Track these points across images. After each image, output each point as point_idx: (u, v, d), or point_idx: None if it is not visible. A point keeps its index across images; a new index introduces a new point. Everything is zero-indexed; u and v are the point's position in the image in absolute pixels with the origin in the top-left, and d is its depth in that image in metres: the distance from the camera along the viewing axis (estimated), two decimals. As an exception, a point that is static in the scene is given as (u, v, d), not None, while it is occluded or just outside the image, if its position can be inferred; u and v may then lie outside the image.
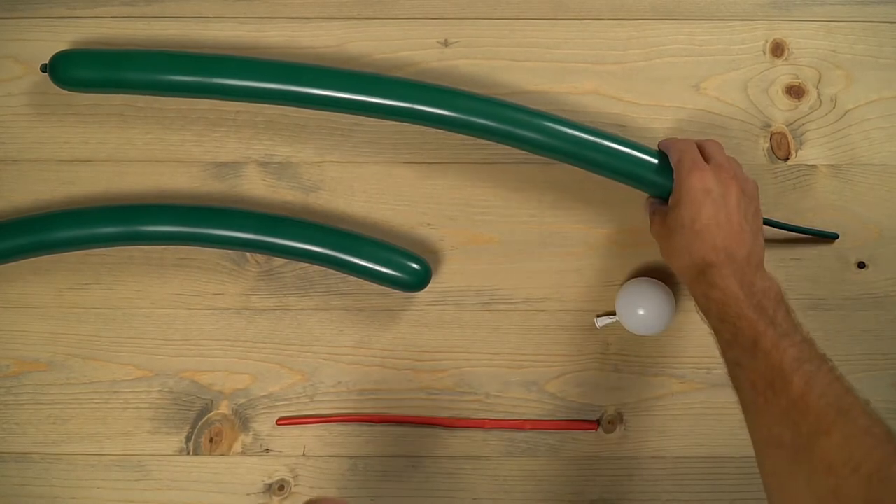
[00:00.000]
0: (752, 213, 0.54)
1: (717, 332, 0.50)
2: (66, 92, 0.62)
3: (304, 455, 0.61)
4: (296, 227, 0.60)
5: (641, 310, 0.58)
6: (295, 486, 0.61)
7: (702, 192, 0.53)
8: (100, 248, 0.61)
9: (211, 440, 0.61)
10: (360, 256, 0.60)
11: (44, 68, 0.60)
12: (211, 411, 0.61)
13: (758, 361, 0.47)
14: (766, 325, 0.48)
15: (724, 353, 0.50)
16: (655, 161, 0.58)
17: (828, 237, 0.63)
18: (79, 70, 0.60)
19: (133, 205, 0.61)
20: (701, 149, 0.56)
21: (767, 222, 0.61)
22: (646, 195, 0.61)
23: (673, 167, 0.56)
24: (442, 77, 0.65)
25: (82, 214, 0.60)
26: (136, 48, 0.64)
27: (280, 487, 0.61)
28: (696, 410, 0.62)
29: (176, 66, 0.60)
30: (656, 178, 0.58)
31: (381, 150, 0.64)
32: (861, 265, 0.64)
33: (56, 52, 0.60)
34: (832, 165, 0.65)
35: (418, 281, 0.61)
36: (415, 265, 0.60)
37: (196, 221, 0.60)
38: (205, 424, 0.61)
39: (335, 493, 0.61)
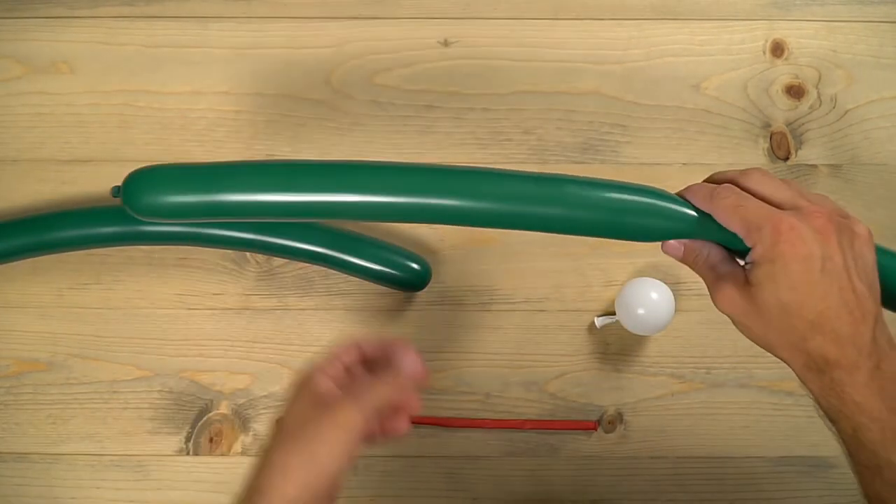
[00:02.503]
0: (862, 258, 0.39)
1: (853, 455, 0.40)
2: (67, 92, 0.62)
3: (304, 455, 0.61)
4: (296, 227, 0.60)
5: (641, 310, 0.58)
6: (295, 486, 0.61)
7: (801, 265, 0.38)
8: (100, 248, 0.61)
9: (211, 440, 0.61)
10: (360, 256, 0.60)
11: (115, 192, 0.44)
12: (211, 411, 0.61)
13: None
14: None
15: (861, 482, 0.40)
16: (694, 214, 0.42)
17: None
18: (168, 194, 0.43)
19: None
20: (745, 188, 0.41)
21: None
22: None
23: (740, 231, 0.40)
24: (442, 77, 0.65)
25: (82, 214, 0.60)
26: (243, 161, 0.45)
27: (280, 487, 0.61)
28: (696, 410, 0.62)
29: (306, 181, 0.43)
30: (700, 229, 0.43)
31: (381, 149, 0.64)
32: (861, 265, 0.64)
33: (136, 170, 0.45)
34: (832, 165, 0.65)
35: (418, 281, 0.61)
36: (415, 265, 0.60)
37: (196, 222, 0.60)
38: (205, 424, 0.61)
39: (335, 493, 0.61)
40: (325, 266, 0.61)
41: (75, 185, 0.64)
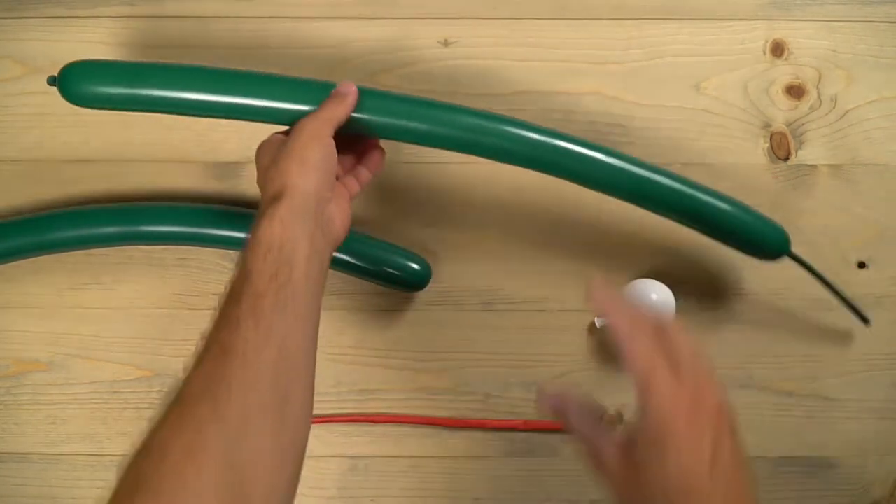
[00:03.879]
0: (740, 446, 0.40)
1: None
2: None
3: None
4: None
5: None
6: (295, 486, 0.61)
7: (692, 454, 0.38)
8: (100, 248, 0.61)
9: (211, 440, 0.61)
10: (359, 257, 0.60)
11: (52, 81, 0.54)
12: (211, 411, 0.61)
13: None
14: None
15: None
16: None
17: (862, 320, 0.61)
18: (95, 85, 0.53)
19: (133, 205, 0.61)
20: (661, 337, 0.41)
21: (825, 282, 0.59)
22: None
23: (638, 393, 0.39)
24: (442, 77, 0.65)
25: (82, 214, 0.60)
26: (157, 61, 0.56)
27: (280, 487, 0.61)
28: (696, 410, 0.62)
29: (215, 84, 0.53)
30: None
31: (381, 150, 0.64)
32: (861, 265, 0.64)
33: (68, 62, 0.54)
34: (832, 165, 0.65)
35: (418, 281, 0.61)
36: (415, 265, 0.60)
37: (196, 221, 0.60)
38: (205, 424, 0.61)
39: (335, 493, 0.61)
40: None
41: (75, 185, 0.64)
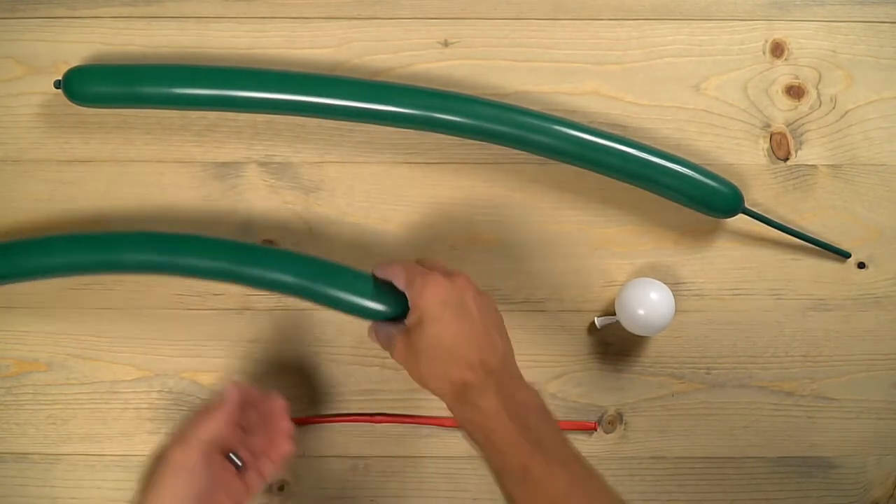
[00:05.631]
0: (493, 311, 0.51)
1: (488, 461, 0.48)
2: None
3: (304, 455, 0.61)
4: (271, 256, 0.58)
5: (641, 310, 0.58)
6: (295, 486, 0.61)
7: (440, 305, 0.48)
8: (73, 276, 0.61)
9: (211, 440, 0.61)
10: (336, 287, 0.56)
11: (57, 84, 0.61)
12: (211, 411, 0.61)
13: (530, 494, 0.45)
14: (532, 448, 0.45)
15: (498, 483, 0.47)
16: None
17: (841, 254, 0.63)
18: (94, 86, 0.60)
19: (105, 233, 0.60)
20: (420, 263, 0.52)
21: (785, 229, 0.62)
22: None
23: (404, 288, 0.51)
24: (442, 77, 0.65)
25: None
26: (150, 62, 0.63)
27: (280, 488, 0.61)
28: (696, 410, 0.62)
29: (194, 80, 0.60)
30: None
31: (380, 150, 0.64)
32: (861, 265, 0.64)
33: (70, 68, 0.61)
34: (832, 165, 0.65)
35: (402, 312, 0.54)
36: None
37: (173, 250, 0.57)
38: (205, 424, 0.61)
39: (335, 493, 0.61)
40: (300, 298, 0.58)
41: (76, 186, 0.64)
